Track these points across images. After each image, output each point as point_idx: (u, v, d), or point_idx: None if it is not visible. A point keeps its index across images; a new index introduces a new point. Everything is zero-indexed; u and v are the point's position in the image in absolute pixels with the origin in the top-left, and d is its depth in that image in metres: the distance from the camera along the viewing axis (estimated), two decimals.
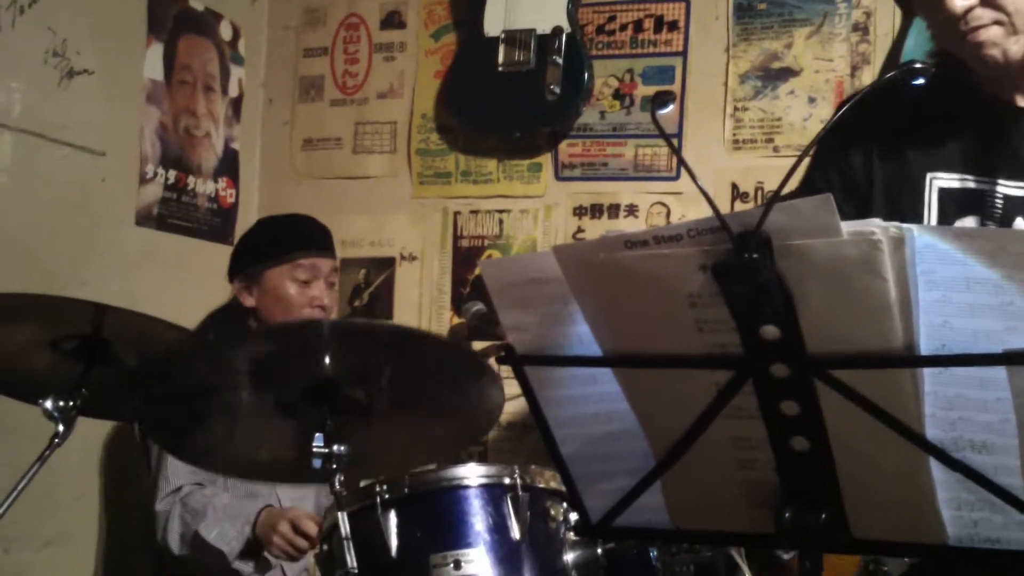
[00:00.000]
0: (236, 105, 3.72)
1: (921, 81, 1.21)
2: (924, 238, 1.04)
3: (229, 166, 3.67)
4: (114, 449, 3.12)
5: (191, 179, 3.49)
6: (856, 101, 1.71)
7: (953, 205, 1.71)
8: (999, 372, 1.07)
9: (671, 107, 1.26)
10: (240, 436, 2.04)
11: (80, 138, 3.05)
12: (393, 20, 3.79)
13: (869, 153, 1.77)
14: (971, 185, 1.68)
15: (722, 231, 1.08)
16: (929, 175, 1.70)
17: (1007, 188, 1.67)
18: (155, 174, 3.34)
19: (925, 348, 1.07)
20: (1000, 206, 1.67)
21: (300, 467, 1.87)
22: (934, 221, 1.70)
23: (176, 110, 3.44)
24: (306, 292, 2.92)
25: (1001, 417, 1.09)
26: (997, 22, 1.59)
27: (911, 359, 1.07)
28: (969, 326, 1.06)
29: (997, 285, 1.03)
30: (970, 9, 1.58)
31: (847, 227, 1.05)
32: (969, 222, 1.68)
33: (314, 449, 1.80)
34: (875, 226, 1.04)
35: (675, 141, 3.43)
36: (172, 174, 3.41)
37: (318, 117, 3.83)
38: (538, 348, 1.24)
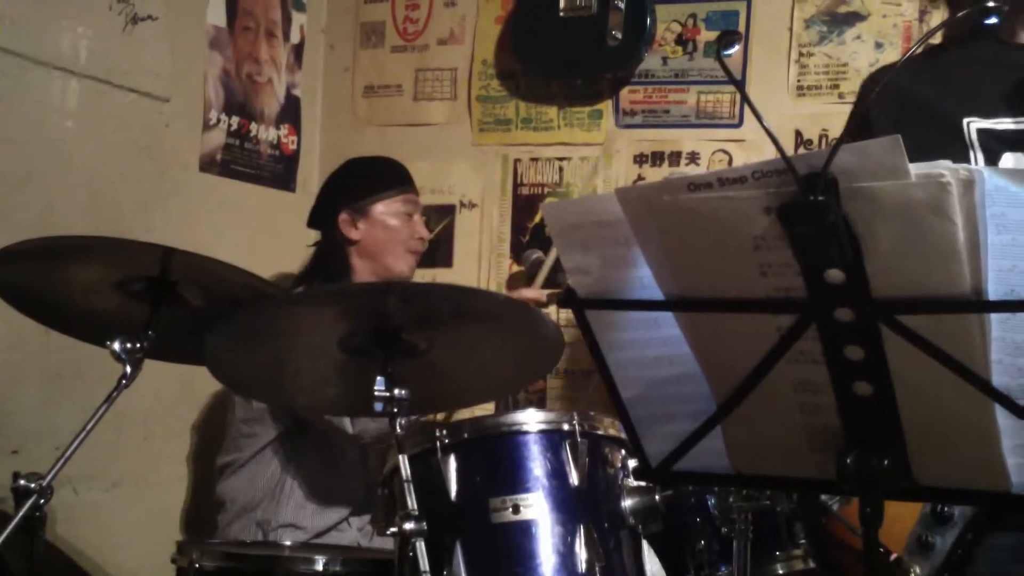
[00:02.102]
0: (298, 52, 3.73)
1: (994, 20, 1.18)
2: (995, 180, 1.02)
3: (291, 113, 3.68)
4: (182, 392, 3.18)
5: (253, 126, 3.51)
6: (877, 71, 1.72)
7: (995, 144, 1.73)
8: None
9: (736, 47, 1.25)
10: (305, 374, 2.07)
11: (144, 84, 3.07)
12: None
13: (896, 119, 1.78)
14: (1009, 125, 1.70)
15: (788, 173, 1.07)
16: (966, 119, 1.71)
17: None
18: (218, 120, 3.36)
19: (994, 293, 1.06)
20: None
21: (367, 403, 1.89)
22: (980, 159, 1.70)
23: (239, 56, 3.46)
24: (410, 225, 3.04)
25: None
26: None
27: (979, 304, 1.06)
28: None
29: None
30: None
31: (916, 169, 1.03)
32: (1011, 158, 1.69)
33: (375, 392, 1.81)
34: (944, 168, 1.03)
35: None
36: (235, 120, 3.43)
37: (379, 64, 3.82)
38: (600, 291, 1.23)
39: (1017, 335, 1.08)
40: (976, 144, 1.73)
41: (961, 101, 1.74)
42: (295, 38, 3.72)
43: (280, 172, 3.62)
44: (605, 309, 1.24)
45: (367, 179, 3.06)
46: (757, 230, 1.11)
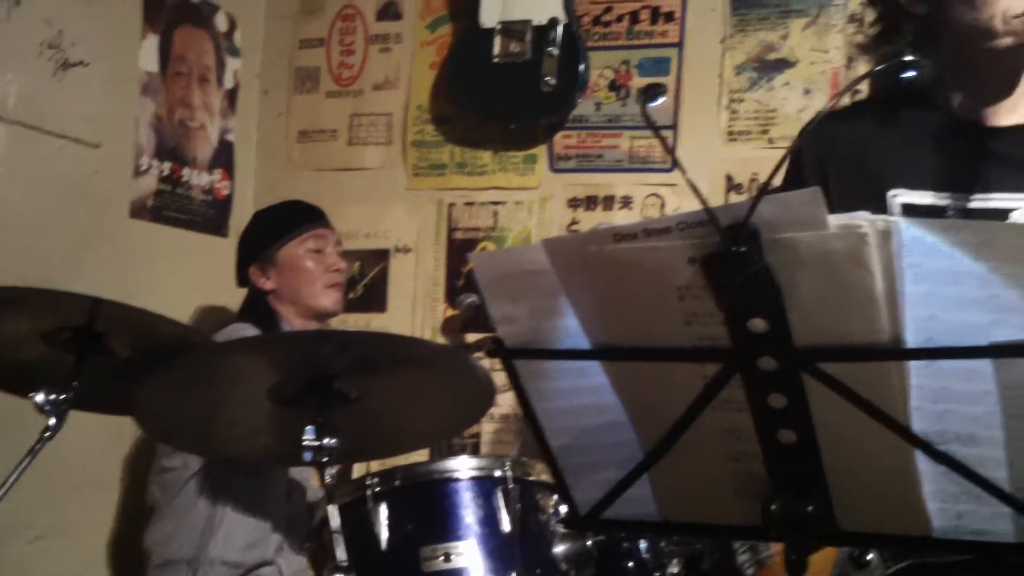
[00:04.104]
0: (232, 97, 3.72)
1: (913, 74, 1.21)
2: (912, 231, 1.04)
3: (224, 158, 3.67)
4: (109, 442, 3.13)
5: (186, 171, 3.49)
6: (813, 123, 1.72)
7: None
8: (985, 365, 1.07)
9: (661, 100, 1.26)
10: (235, 424, 2.05)
11: (75, 130, 3.04)
12: (389, 11, 3.79)
13: (825, 178, 1.77)
14: (933, 201, 1.68)
15: (711, 224, 1.08)
16: (892, 191, 1.70)
17: (969, 202, 1.67)
18: (150, 166, 3.34)
19: (912, 341, 1.07)
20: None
21: (296, 453, 1.87)
22: None
23: (171, 102, 3.44)
24: (322, 260, 3.04)
25: (987, 409, 1.09)
26: None
27: (898, 352, 1.08)
28: (956, 319, 1.06)
29: (984, 278, 1.03)
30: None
31: (835, 220, 1.05)
32: None
33: (305, 442, 1.80)
34: (863, 219, 1.04)
35: (670, 132, 3.43)
36: (167, 166, 3.40)
37: (314, 108, 3.82)
38: (527, 341, 1.24)
39: (935, 382, 1.10)
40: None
41: (889, 169, 1.73)
42: (229, 83, 3.71)
43: (213, 217, 3.60)
44: (533, 358, 1.24)
45: (268, 228, 3.08)
46: (682, 280, 1.12)
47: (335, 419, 1.87)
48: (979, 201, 1.66)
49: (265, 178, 3.81)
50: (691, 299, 1.13)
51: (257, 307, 3.00)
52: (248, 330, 2.82)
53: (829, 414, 1.15)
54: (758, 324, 1.11)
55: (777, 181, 2.74)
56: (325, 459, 1.81)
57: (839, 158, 1.74)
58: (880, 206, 1.70)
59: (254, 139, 3.83)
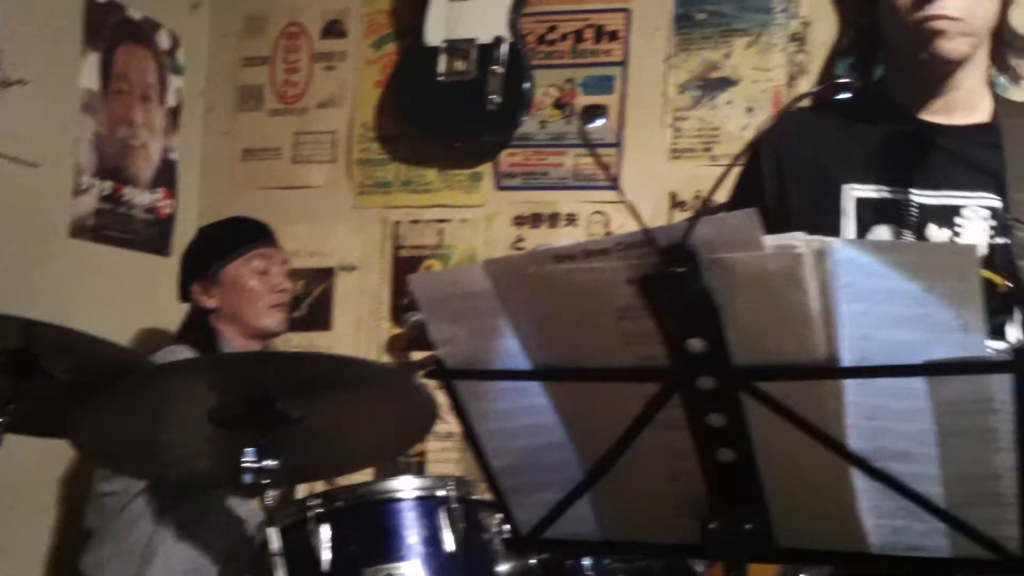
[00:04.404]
0: (175, 115, 3.69)
1: (847, 95, 1.23)
2: (846, 251, 1.05)
3: (167, 176, 3.63)
4: (46, 464, 3.08)
5: (128, 190, 3.45)
6: (767, 128, 1.73)
7: (870, 214, 1.74)
8: (919, 383, 1.09)
9: (600, 122, 1.27)
10: (175, 447, 2.03)
11: (14, 149, 3.00)
12: (334, 29, 3.78)
13: (781, 178, 1.80)
14: (887, 195, 1.71)
15: (649, 245, 1.09)
16: (846, 186, 1.73)
17: (920, 197, 1.70)
18: (90, 185, 3.30)
19: (847, 360, 1.09)
20: (915, 214, 1.70)
21: (237, 475, 1.86)
22: (852, 229, 1.73)
23: (113, 120, 3.40)
24: (266, 280, 3.00)
25: (921, 427, 1.10)
26: (961, 18, 1.63)
27: (833, 370, 1.09)
28: (890, 337, 1.07)
29: (917, 297, 1.05)
30: None
31: (770, 241, 1.06)
32: (883, 230, 1.71)
33: (244, 464, 1.78)
34: (798, 240, 1.05)
35: (615, 150, 3.45)
36: (108, 185, 3.36)
37: (258, 127, 3.80)
38: (468, 362, 1.23)
39: (871, 400, 1.11)
40: (851, 213, 1.74)
41: (844, 167, 1.75)
42: (172, 101, 3.68)
43: (155, 236, 3.56)
44: (473, 380, 1.24)
45: (213, 245, 3.04)
46: (621, 301, 1.13)
47: (277, 440, 1.86)
48: (931, 197, 1.69)
49: (209, 196, 3.78)
50: (630, 319, 1.14)
51: (197, 326, 2.97)
52: (184, 352, 2.78)
53: (767, 432, 1.15)
54: (696, 344, 1.12)
55: (720, 198, 2.77)
56: (266, 481, 1.79)
57: (796, 159, 1.77)
58: (836, 202, 1.72)
59: (198, 157, 3.79)
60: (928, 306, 1.05)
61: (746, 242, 1.06)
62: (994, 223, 1.65)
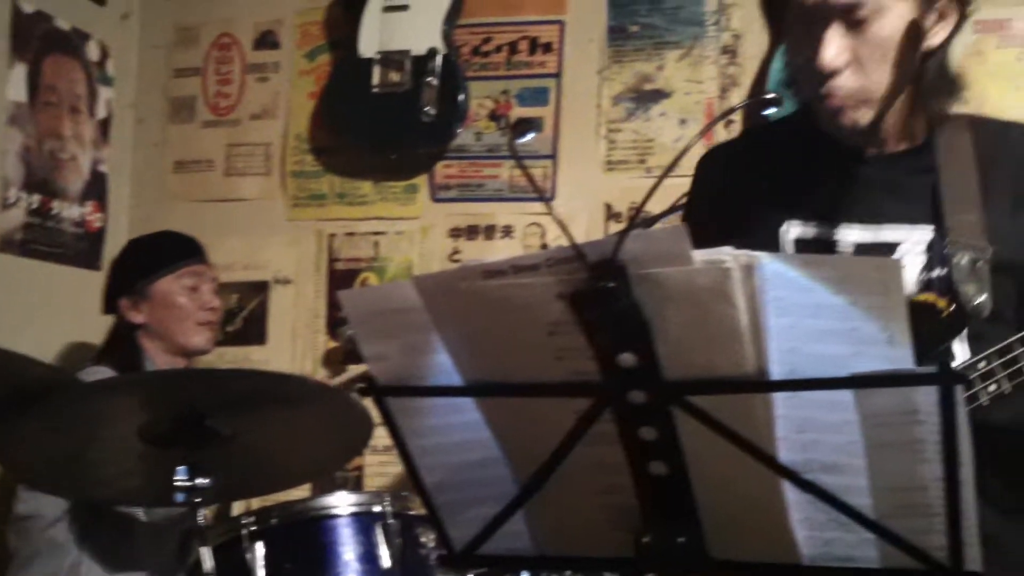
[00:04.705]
0: (104, 127, 3.64)
1: (774, 110, 1.24)
2: (773, 266, 1.06)
3: (97, 189, 3.58)
4: None
5: (56, 203, 3.39)
6: (707, 157, 1.71)
7: (809, 252, 1.69)
8: (847, 395, 1.10)
9: (530, 136, 1.28)
10: (104, 466, 1.99)
11: None
12: (267, 40, 3.76)
13: (723, 214, 1.76)
14: (822, 234, 1.69)
15: (579, 260, 1.09)
16: (783, 226, 1.71)
17: (857, 234, 1.69)
18: (18, 199, 3.24)
19: (776, 373, 1.09)
20: (852, 253, 1.67)
21: (169, 494, 1.83)
22: None
23: (41, 133, 3.35)
24: (196, 298, 2.97)
25: (850, 439, 1.12)
26: (856, 93, 1.61)
27: (762, 384, 1.09)
28: (817, 351, 1.08)
29: (843, 311, 1.06)
30: (835, 73, 1.60)
31: (699, 255, 1.06)
32: None
33: (176, 483, 1.76)
34: (726, 254, 1.06)
35: (550, 162, 3.46)
36: (36, 198, 3.31)
37: (190, 138, 3.76)
38: (399, 378, 1.23)
39: (800, 412, 1.12)
40: (791, 252, 1.70)
41: (779, 203, 1.72)
42: (101, 113, 3.63)
43: (84, 250, 3.51)
44: (405, 396, 1.24)
45: (143, 260, 3.01)
46: (552, 316, 1.13)
47: (209, 458, 1.83)
48: (867, 232, 1.68)
49: (140, 210, 3.73)
50: (561, 335, 1.14)
51: (122, 342, 2.92)
52: (104, 374, 2.73)
53: (699, 446, 1.16)
54: (627, 359, 1.12)
55: (654, 209, 2.77)
56: (198, 500, 1.76)
57: (732, 196, 1.74)
58: (773, 241, 1.71)
59: (128, 170, 3.75)
60: (854, 320, 1.06)
61: (675, 257, 1.06)
62: (929, 255, 1.65)
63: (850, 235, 1.68)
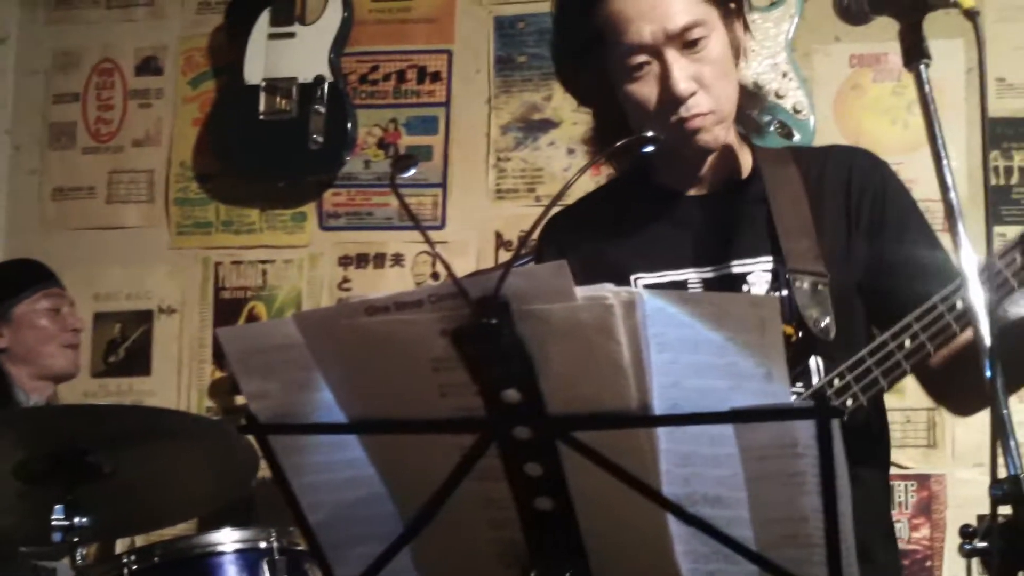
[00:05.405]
0: None
1: (651, 148, 1.25)
2: (654, 302, 1.07)
3: None
4: None
5: None
6: (548, 226, 1.71)
7: None
8: (727, 429, 1.11)
9: (412, 171, 1.27)
10: None
11: None
12: (149, 66, 3.70)
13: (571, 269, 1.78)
14: (671, 278, 1.72)
15: (462, 296, 1.08)
16: (633, 276, 1.73)
17: (704, 273, 1.73)
18: None
19: (658, 408, 1.10)
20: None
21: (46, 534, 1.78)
22: None
23: None
24: (58, 320, 2.96)
25: (731, 472, 1.13)
26: (712, 111, 1.66)
27: (645, 419, 1.10)
28: (698, 385, 1.09)
29: (721, 346, 1.07)
30: (691, 95, 1.64)
31: (582, 292, 1.07)
32: None
33: (54, 522, 1.71)
34: (608, 291, 1.07)
35: (439, 191, 3.47)
36: None
37: (70, 165, 3.68)
38: (281, 416, 1.21)
39: (682, 446, 1.13)
40: None
41: (627, 256, 1.74)
42: None
43: None
44: (287, 434, 1.22)
45: (1, 285, 2.97)
46: (435, 352, 1.12)
47: (89, 495, 1.78)
48: (715, 272, 1.72)
49: (17, 238, 3.64)
50: (445, 371, 1.13)
51: None
52: None
53: (584, 480, 1.16)
54: (512, 395, 1.12)
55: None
56: (76, 539, 1.71)
57: (581, 254, 1.73)
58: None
59: (4, 197, 3.65)
60: (732, 355, 1.07)
61: (558, 293, 1.07)
62: (773, 282, 1.70)
63: (697, 275, 1.72)
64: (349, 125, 3.42)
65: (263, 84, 3.41)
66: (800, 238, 1.70)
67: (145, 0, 3.71)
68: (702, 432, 1.12)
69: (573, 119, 3.44)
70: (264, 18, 3.47)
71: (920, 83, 1.39)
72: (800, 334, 1.62)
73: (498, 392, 1.12)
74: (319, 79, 3.39)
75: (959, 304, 1.54)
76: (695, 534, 1.16)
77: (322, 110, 3.37)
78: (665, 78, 1.63)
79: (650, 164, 1.72)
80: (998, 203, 3.19)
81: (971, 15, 1.37)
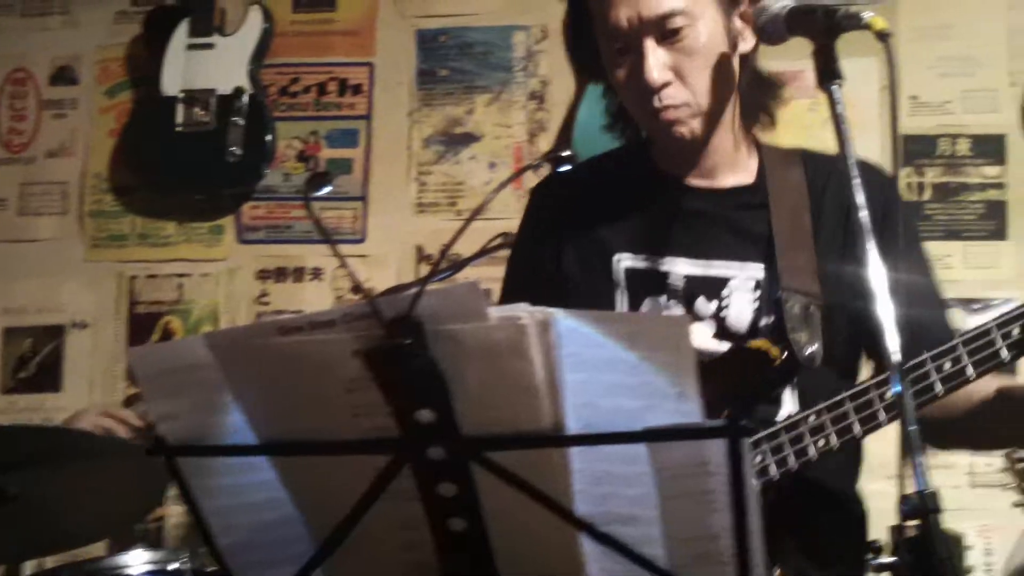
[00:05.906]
0: None
1: (568, 168, 1.26)
2: (568, 322, 1.07)
3: None
4: None
5: None
6: (543, 186, 1.71)
7: (639, 286, 1.73)
8: (641, 448, 1.11)
9: (326, 190, 1.26)
10: None
11: None
12: (64, 75, 3.62)
13: (558, 242, 1.79)
14: (653, 265, 1.72)
15: (375, 316, 1.08)
16: (616, 256, 1.74)
17: (687, 267, 1.72)
18: None
19: (572, 427, 1.10)
20: (681, 286, 1.71)
21: None
22: (625, 303, 1.73)
23: None
24: None
25: (644, 491, 1.13)
26: (686, 103, 1.66)
27: (558, 438, 1.10)
28: (612, 405, 1.10)
29: (635, 366, 1.08)
30: (665, 85, 1.64)
31: (495, 312, 1.07)
32: (653, 302, 1.71)
33: None
34: (522, 311, 1.07)
35: (360, 204, 3.45)
36: None
37: None
38: (191, 437, 1.19)
39: (596, 466, 1.13)
40: (622, 283, 1.74)
41: (613, 235, 1.75)
42: None
43: None
44: (196, 455, 1.20)
45: None
46: (349, 373, 1.11)
47: None
48: (698, 267, 1.71)
49: None
50: (358, 391, 1.12)
51: None
52: None
53: (498, 501, 1.16)
54: (425, 415, 1.11)
55: (464, 252, 2.76)
56: None
57: (574, 225, 1.76)
58: (608, 272, 1.73)
59: None
60: (645, 374, 1.08)
61: (471, 313, 1.07)
62: (759, 296, 1.68)
63: (680, 267, 1.71)
64: (268, 137, 3.38)
65: (181, 95, 3.36)
66: (797, 252, 1.68)
67: (60, 8, 3.63)
68: (616, 451, 1.12)
69: (495, 133, 3.45)
70: (183, 28, 3.42)
71: (833, 103, 1.42)
72: (785, 356, 1.60)
73: (411, 413, 1.11)
74: (238, 91, 3.35)
75: (948, 366, 1.52)
76: (608, 553, 1.16)
77: (241, 122, 3.34)
78: (639, 66, 1.63)
79: (650, 147, 1.71)
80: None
81: (883, 36, 1.39)
